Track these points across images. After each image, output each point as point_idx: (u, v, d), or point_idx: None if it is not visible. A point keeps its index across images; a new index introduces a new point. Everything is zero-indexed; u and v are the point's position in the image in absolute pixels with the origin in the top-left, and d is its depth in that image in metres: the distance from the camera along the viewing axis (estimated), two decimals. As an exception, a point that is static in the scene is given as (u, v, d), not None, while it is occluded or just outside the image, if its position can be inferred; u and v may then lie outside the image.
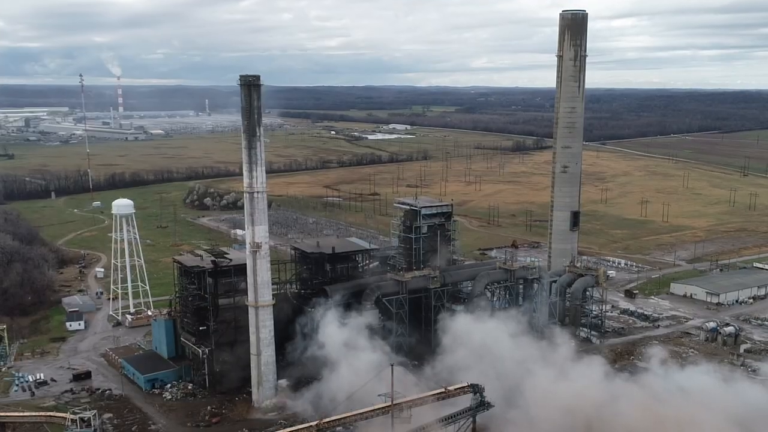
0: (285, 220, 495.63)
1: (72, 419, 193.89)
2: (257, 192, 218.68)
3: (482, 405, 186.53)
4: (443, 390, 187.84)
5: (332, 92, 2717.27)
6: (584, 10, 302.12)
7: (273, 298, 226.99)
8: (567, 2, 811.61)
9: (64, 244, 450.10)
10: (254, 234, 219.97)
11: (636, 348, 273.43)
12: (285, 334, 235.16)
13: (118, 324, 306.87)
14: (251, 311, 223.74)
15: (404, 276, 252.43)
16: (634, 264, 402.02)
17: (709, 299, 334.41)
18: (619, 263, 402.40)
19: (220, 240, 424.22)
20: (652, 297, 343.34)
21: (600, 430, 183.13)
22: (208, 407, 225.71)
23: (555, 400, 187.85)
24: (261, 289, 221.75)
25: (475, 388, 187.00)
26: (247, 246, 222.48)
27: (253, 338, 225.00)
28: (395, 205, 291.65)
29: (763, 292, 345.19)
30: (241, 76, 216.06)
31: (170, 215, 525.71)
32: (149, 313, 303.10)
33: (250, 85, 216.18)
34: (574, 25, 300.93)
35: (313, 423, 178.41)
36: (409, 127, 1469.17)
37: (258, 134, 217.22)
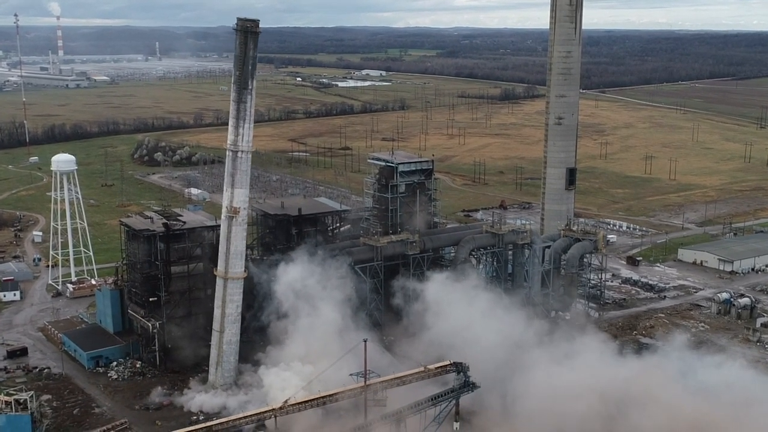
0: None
1: (6, 401, 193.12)
2: (242, 151, 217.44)
3: (466, 385, 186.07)
4: (423, 369, 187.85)
5: (298, 34, 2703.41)
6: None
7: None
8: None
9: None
10: (233, 197, 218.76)
11: (639, 322, 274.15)
12: (244, 305, 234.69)
13: (58, 294, 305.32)
14: (219, 283, 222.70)
15: (379, 241, 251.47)
16: (638, 227, 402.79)
17: (721, 267, 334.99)
18: (621, 226, 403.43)
19: (172, 200, 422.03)
20: (658, 264, 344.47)
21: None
22: (159, 387, 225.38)
23: (551, 387, 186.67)
24: (233, 260, 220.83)
25: (459, 367, 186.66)
26: (224, 210, 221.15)
27: (217, 312, 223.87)
28: (369, 160, 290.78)
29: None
30: (238, 19, 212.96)
31: (116, 172, 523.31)
32: (93, 282, 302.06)
33: (247, 31, 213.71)
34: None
35: (277, 406, 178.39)
36: (384, 73, 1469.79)
37: (250, 87, 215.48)
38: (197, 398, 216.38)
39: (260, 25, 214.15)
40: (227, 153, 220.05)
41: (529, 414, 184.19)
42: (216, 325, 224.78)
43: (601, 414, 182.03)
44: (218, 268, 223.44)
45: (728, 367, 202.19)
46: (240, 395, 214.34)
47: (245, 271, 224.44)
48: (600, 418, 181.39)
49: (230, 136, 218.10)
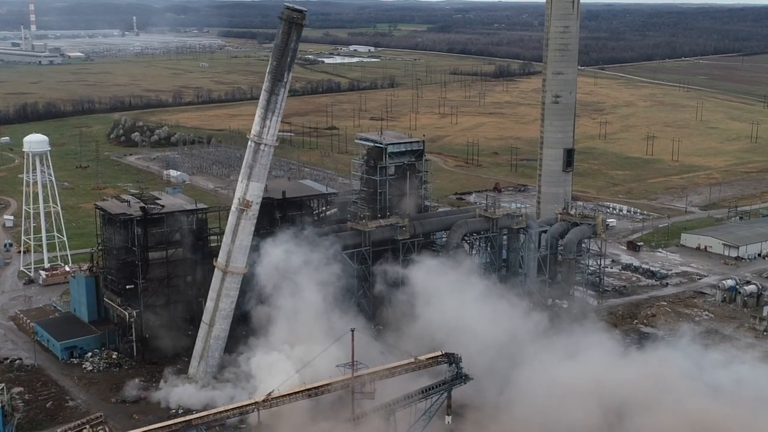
0: (227, 159, 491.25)
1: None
2: (266, 144, 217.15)
3: (459, 377, 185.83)
4: (413, 360, 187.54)
5: (281, 7, 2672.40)
6: None
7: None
8: None
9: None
10: (247, 190, 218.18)
11: (640, 310, 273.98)
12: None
13: (31, 281, 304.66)
14: (217, 275, 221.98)
15: (367, 225, 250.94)
16: (639, 211, 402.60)
17: (726, 252, 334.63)
18: (621, 210, 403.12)
19: (150, 182, 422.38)
20: (660, 250, 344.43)
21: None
22: (136, 379, 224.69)
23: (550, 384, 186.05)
24: (236, 253, 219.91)
25: (451, 359, 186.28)
26: (235, 201, 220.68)
27: (210, 305, 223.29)
28: (356, 141, 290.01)
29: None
30: (285, 7, 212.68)
31: (92, 153, 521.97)
32: (67, 268, 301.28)
33: (293, 22, 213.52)
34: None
35: (260, 399, 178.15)
36: (372, 48, 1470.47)
37: (285, 80, 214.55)
38: (176, 391, 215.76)
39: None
40: (249, 144, 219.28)
41: (525, 408, 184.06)
42: (206, 318, 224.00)
43: (602, 411, 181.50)
44: (218, 259, 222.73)
45: (739, 363, 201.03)
46: (227, 389, 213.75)
47: (246, 267, 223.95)
48: (601, 416, 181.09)
49: (255, 127, 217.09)
